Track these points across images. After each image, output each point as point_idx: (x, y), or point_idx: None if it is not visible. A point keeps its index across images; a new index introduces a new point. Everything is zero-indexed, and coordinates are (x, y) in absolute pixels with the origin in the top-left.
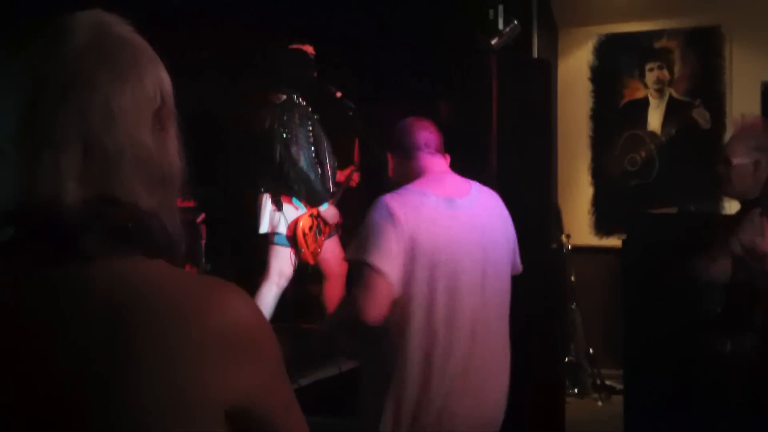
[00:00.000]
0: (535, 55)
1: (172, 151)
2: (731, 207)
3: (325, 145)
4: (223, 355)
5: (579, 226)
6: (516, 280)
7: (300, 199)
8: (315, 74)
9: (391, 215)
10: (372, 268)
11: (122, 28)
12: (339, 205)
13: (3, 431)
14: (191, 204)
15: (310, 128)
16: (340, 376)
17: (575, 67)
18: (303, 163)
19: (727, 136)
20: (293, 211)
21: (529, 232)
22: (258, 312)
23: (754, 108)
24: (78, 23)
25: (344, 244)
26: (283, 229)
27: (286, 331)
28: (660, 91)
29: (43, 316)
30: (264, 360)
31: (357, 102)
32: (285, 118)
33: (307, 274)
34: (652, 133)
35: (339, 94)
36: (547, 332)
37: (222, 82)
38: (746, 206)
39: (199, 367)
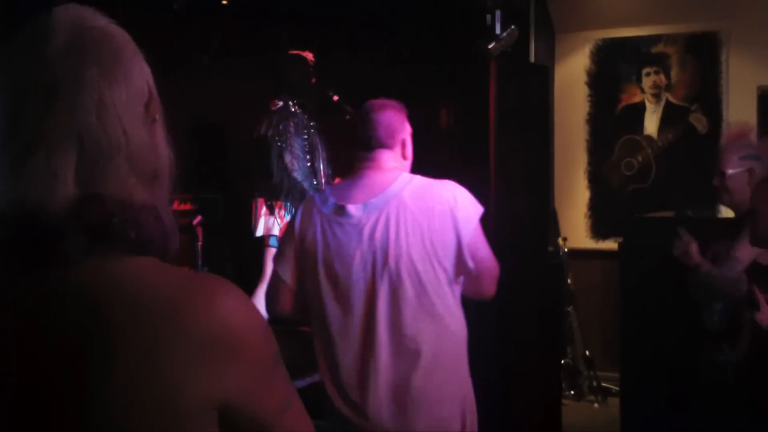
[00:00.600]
0: (533, 60)
1: (162, 143)
2: (727, 211)
3: (320, 154)
4: (211, 354)
5: (576, 229)
6: (513, 283)
7: (293, 205)
8: (313, 81)
9: (293, 220)
10: (273, 268)
11: (100, 21)
12: None
13: None
14: (188, 207)
15: (306, 137)
16: None
17: (573, 72)
18: (297, 172)
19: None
20: (286, 216)
21: (527, 235)
22: (252, 309)
23: (750, 113)
24: (55, 21)
25: None
26: (277, 232)
27: (283, 334)
28: (657, 96)
29: (26, 319)
30: (255, 359)
31: (354, 107)
32: (280, 127)
33: None
34: (649, 138)
35: (336, 98)
36: (544, 335)
37: (223, 86)
38: (743, 218)
39: (185, 366)
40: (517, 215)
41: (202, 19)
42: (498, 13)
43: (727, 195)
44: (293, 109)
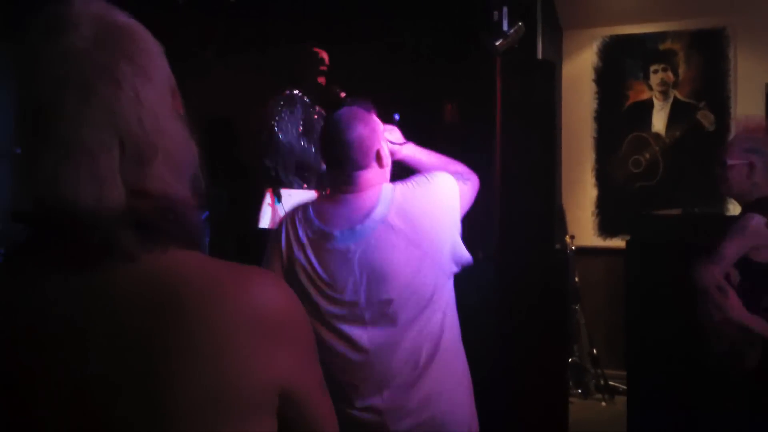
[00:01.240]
0: (540, 56)
1: (187, 136)
2: (735, 208)
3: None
4: (267, 339)
5: (583, 227)
6: (519, 281)
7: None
8: (323, 79)
9: (278, 235)
10: None
11: (121, 15)
12: None
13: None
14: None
15: (306, 122)
16: None
17: (579, 69)
18: (290, 153)
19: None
20: (294, 198)
21: (533, 233)
22: (293, 296)
23: (758, 110)
24: (78, 14)
25: None
26: (268, 223)
27: None
28: (664, 93)
29: (89, 317)
30: (302, 342)
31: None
32: (280, 109)
33: None
34: (657, 135)
35: (343, 95)
36: (551, 333)
37: (228, 81)
38: (745, 209)
39: (248, 352)
40: (524, 213)
41: (205, 15)
42: (505, 9)
43: (725, 185)
44: (298, 96)
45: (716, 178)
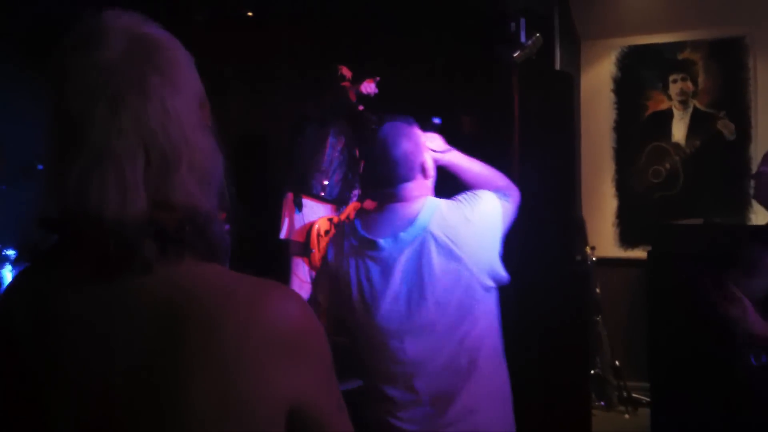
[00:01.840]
0: (558, 67)
1: (215, 148)
2: (757, 218)
3: (349, 161)
4: (281, 355)
5: (603, 238)
6: (541, 293)
7: (320, 199)
8: (344, 94)
9: (327, 249)
10: (312, 290)
11: (153, 27)
12: None
13: None
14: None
15: (336, 136)
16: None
17: (598, 79)
18: (326, 166)
19: (753, 147)
20: (314, 210)
21: (554, 244)
22: (311, 313)
23: None
24: (109, 26)
25: None
26: (284, 233)
27: None
28: (684, 103)
29: (95, 324)
30: (318, 359)
31: (378, 116)
32: (308, 128)
33: None
34: (677, 145)
35: (361, 108)
36: (573, 345)
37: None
38: None
39: (260, 367)
40: (544, 224)
41: (227, 31)
42: (522, 20)
43: (757, 191)
44: (322, 113)
45: (749, 185)
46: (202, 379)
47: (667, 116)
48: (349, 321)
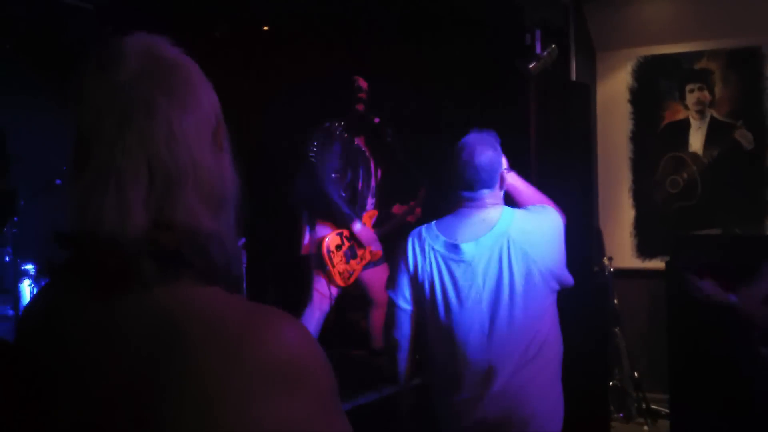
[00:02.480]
0: (574, 78)
1: (229, 171)
2: None
3: (362, 174)
4: (272, 388)
5: (621, 248)
6: (559, 304)
7: (328, 220)
8: (361, 106)
9: (405, 253)
10: (390, 300)
11: (171, 50)
12: (395, 237)
13: None
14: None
15: (345, 156)
16: (381, 401)
17: (614, 90)
18: (329, 186)
19: None
20: (325, 231)
21: (571, 255)
22: (312, 341)
23: None
24: (128, 49)
25: None
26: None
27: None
28: (701, 113)
29: (95, 344)
30: (318, 390)
31: (394, 128)
32: (317, 143)
33: (350, 300)
34: (694, 155)
35: (377, 120)
36: (592, 356)
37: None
38: None
39: (247, 402)
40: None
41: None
42: (537, 32)
43: None
44: (335, 127)
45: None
46: (181, 411)
47: (684, 126)
48: (429, 321)
